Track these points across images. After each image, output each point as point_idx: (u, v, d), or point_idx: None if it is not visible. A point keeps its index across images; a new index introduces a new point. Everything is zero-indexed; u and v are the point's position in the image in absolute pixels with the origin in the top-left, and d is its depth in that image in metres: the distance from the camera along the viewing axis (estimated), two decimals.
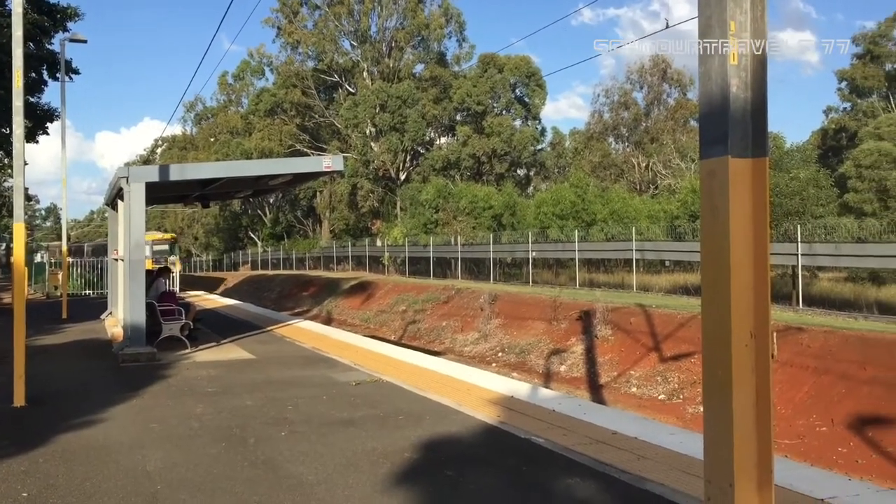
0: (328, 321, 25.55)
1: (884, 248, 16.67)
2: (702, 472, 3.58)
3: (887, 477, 8.56)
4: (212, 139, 66.69)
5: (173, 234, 49.19)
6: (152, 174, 12.47)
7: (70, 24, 21.71)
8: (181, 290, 29.67)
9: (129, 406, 7.94)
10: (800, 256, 17.08)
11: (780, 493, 4.00)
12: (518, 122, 51.37)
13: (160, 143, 79.62)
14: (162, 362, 10.96)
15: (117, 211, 15.65)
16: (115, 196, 14.95)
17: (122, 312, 12.99)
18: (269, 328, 16.17)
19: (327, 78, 53.53)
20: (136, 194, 11.56)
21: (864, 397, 10.31)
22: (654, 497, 4.84)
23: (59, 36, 21.39)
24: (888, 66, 46.08)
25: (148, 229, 30.01)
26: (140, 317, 11.49)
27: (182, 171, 14.11)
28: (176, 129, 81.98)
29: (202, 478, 5.35)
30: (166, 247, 39.74)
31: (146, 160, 79.50)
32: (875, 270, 20.62)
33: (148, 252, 35.65)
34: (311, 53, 52.91)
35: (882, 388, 10.19)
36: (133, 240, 11.58)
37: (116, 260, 16.50)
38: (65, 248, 22.10)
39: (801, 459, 8.95)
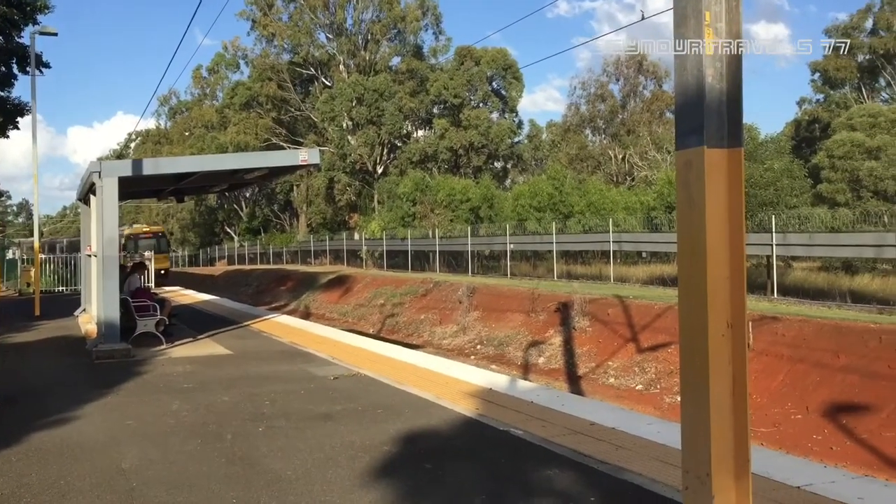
0: (306, 315, 25.43)
1: (856, 238, 16.92)
2: (679, 461, 3.60)
3: (861, 463, 8.69)
4: (186, 133, 66.05)
5: (162, 227, 46.89)
6: (125, 169, 12.31)
7: (40, 17, 21.31)
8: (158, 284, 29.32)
9: (104, 403, 7.83)
10: (774, 246, 17.24)
11: (756, 481, 4.02)
12: (495, 115, 51.35)
13: (134, 137, 78.72)
14: (137, 359, 10.83)
15: (90, 206, 15.42)
16: (88, 191, 14.72)
17: (96, 309, 12.80)
18: (246, 323, 16.04)
19: (303, 71, 53.15)
20: (108, 189, 11.39)
21: (837, 385, 10.45)
22: (632, 487, 4.86)
23: (29, 29, 20.99)
24: (860, 58, 46.58)
25: (122, 224, 29.29)
26: (114, 313, 11.33)
27: (156, 166, 13.93)
28: (150, 124, 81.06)
29: (178, 475, 5.29)
30: (153, 241, 37.50)
31: (119, 155, 78.52)
32: (848, 259, 20.90)
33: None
34: (286, 46, 52.48)
35: (855, 376, 10.34)
36: (106, 235, 11.41)
37: (90, 256, 16.27)
38: (37, 244, 21.76)
39: (777, 447, 9.06)
